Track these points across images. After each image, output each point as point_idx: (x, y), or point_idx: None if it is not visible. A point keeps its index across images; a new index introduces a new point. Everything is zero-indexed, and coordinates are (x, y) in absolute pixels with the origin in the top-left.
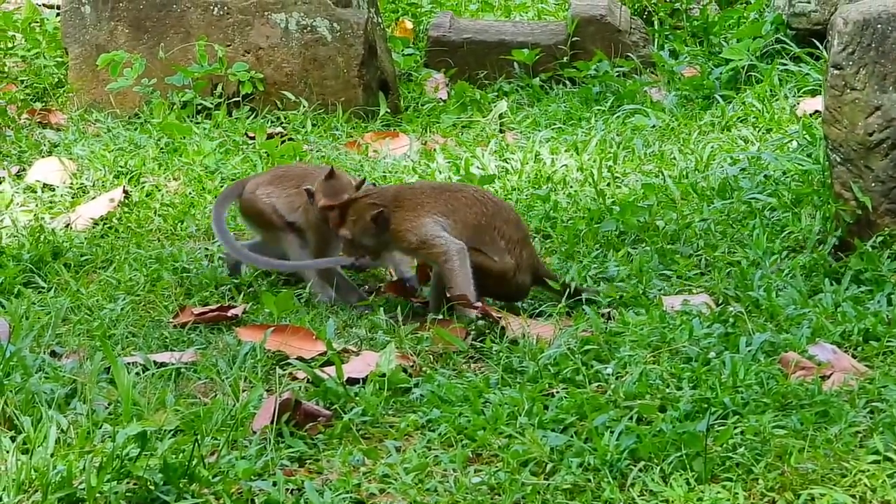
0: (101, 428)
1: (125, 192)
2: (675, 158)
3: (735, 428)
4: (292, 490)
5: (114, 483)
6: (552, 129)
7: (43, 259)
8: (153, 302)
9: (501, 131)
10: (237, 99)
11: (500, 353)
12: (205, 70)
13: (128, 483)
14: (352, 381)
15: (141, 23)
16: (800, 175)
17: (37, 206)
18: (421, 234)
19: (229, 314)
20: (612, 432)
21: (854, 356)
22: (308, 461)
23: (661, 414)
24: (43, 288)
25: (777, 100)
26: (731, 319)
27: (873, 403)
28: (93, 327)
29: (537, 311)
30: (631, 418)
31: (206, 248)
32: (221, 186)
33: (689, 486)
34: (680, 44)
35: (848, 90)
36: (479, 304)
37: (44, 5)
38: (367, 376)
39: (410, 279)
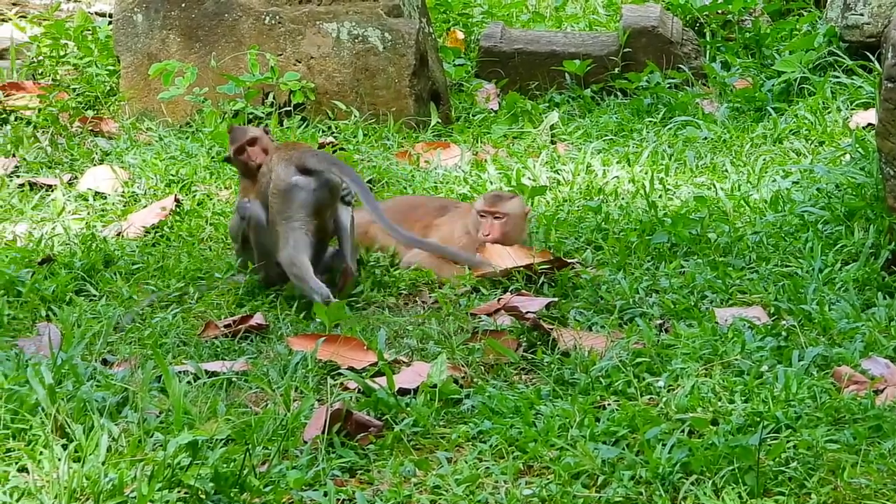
0: (152, 436)
1: (176, 200)
2: (727, 171)
3: (787, 442)
4: (343, 500)
5: (165, 492)
6: (604, 140)
7: (94, 267)
8: (204, 311)
9: (553, 142)
10: (288, 108)
11: (552, 365)
12: (256, 79)
13: (179, 492)
14: (403, 392)
15: (193, 32)
16: (853, 188)
17: (88, 214)
18: None
19: (254, 324)
20: (663, 445)
21: None
22: (359, 472)
23: (714, 427)
24: (94, 296)
25: (829, 112)
26: (783, 333)
27: None
28: (144, 336)
29: (589, 322)
30: (683, 431)
31: None
32: None
33: (741, 500)
34: (732, 55)
35: None
36: None
37: (96, 14)
38: (418, 387)
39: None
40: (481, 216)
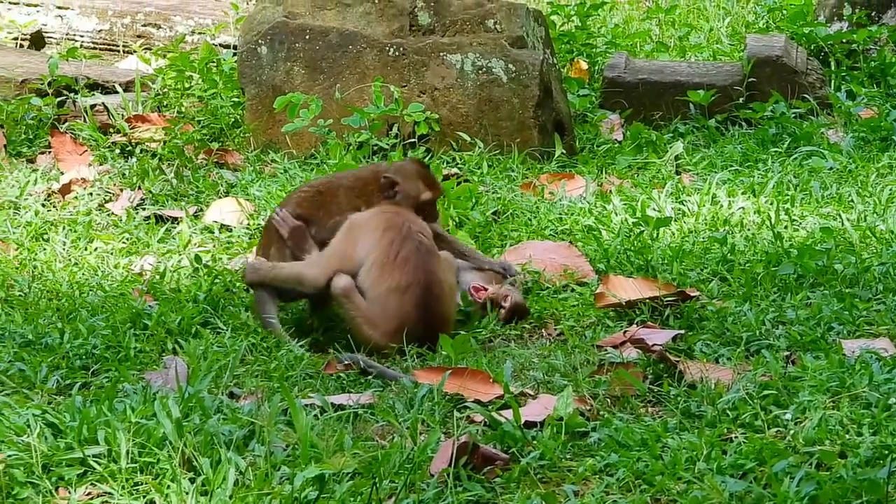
0: (279, 470)
1: None
2: (852, 201)
3: None
4: None
5: None
6: (729, 170)
7: (220, 300)
8: (329, 343)
9: (678, 173)
10: (413, 140)
11: (678, 397)
12: (381, 111)
13: None
14: (529, 425)
15: (317, 63)
16: None
17: (214, 246)
18: None
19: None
20: (791, 478)
21: None
22: None
23: (842, 460)
24: (221, 329)
25: None
26: None
27: None
28: (270, 368)
29: (716, 354)
30: (811, 464)
31: None
32: None
33: None
34: (857, 85)
35: None
36: None
37: (221, 45)
38: (544, 420)
39: None
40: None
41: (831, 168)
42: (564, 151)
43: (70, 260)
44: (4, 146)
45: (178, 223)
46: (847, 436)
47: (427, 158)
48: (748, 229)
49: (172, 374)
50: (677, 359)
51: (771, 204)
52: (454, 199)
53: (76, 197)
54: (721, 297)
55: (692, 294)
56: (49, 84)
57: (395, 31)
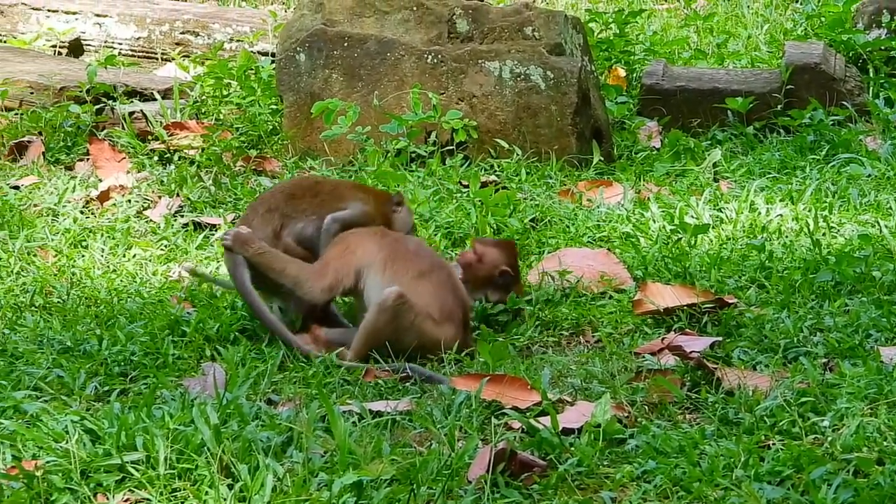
0: (317, 476)
1: None
2: (891, 208)
3: None
4: None
5: None
6: (767, 177)
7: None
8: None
9: (716, 180)
10: (451, 147)
11: (716, 404)
12: (419, 118)
13: None
14: (567, 432)
15: (355, 71)
16: None
17: None
18: None
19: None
20: (829, 485)
21: None
22: None
23: (879, 467)
24: (259, 335)
25: None
26: None
27: None
28: (308, 375)
29: (753, 361)
30: (848, 471)
31: None
32: (435, 235)
33: None
34: (895, 92)
35: None
36: None
37: (259, 53)
38: (582, 426)
39: None
40: None
41: (869, 175)
42: (602, 158)
43: (108, 267)
44: (43, 153)
45: (216, 230)
46: (885, 443)
47: (465, 166)
48: (786, 236)
49: (211, 381)
50: (715, 366)
51: (809, 211)
52: (492, 206)
53: (114, 204)
54: (759, 305)
55: (730, 301)
56: (87, 91)
57: (433, 39)
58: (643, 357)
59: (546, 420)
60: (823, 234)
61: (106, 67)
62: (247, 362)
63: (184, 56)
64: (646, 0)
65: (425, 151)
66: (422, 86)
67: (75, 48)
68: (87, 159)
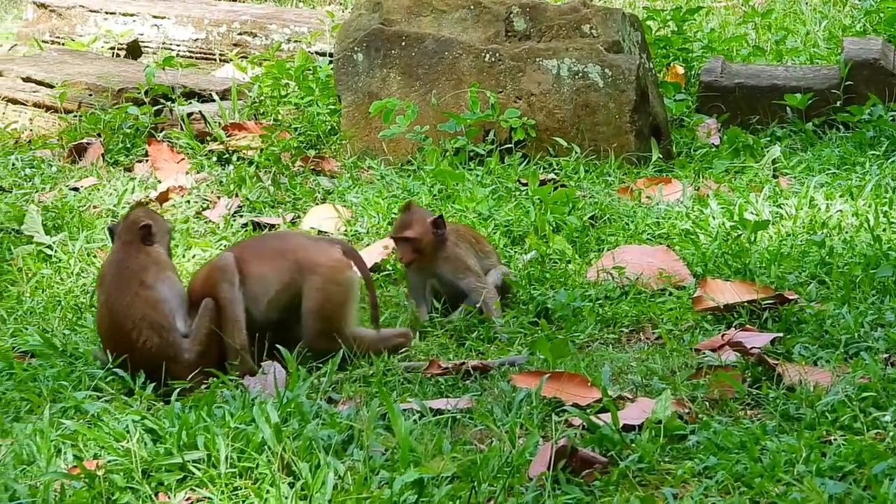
0: (378, 474)
1: None
2: None
3: None
4: None
5: None
6: (826, 174)
7: None
8: (426, 351)
9: (775, 176)
10: (509, 145)
11: (777, 400)
12: (477, 117)
13: None
14: (627, 428)
15: (413, 70)
16: None
17: None
18: None
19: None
20: (891, 480)
21: None
22: None
23: None
24: None
25: None
26: None
27: None
28: (368, 374)
29: (814, 357)
30: None
31: None
32: (494, 233)
33: None
34: None
35: None
36: None
37: (316, 53)
38: (642, 423)
39: None
40: (395, 242)
41: None
42: (661, 156)
43: None
44: (102, 155)
45: (275, 230)
46: None
47: (523, 164)
48: (846, 232)
49: (271, 380)
50: (776, 362)
51: (869, 207)
52: (551, 204)
53: (174, 205)
54: (819, 300)
55: (790, 297)
56: (146, 93)
57: (490, 37)
58: (703, 353)
59: (606, 417)
60: (884, 230)
61: (164, 69)
62: (307, 361)
63: (241, 57)
64: None
65: (483, 150)
66: (480, 84)
67: (133, 50)
68: (146, 160)
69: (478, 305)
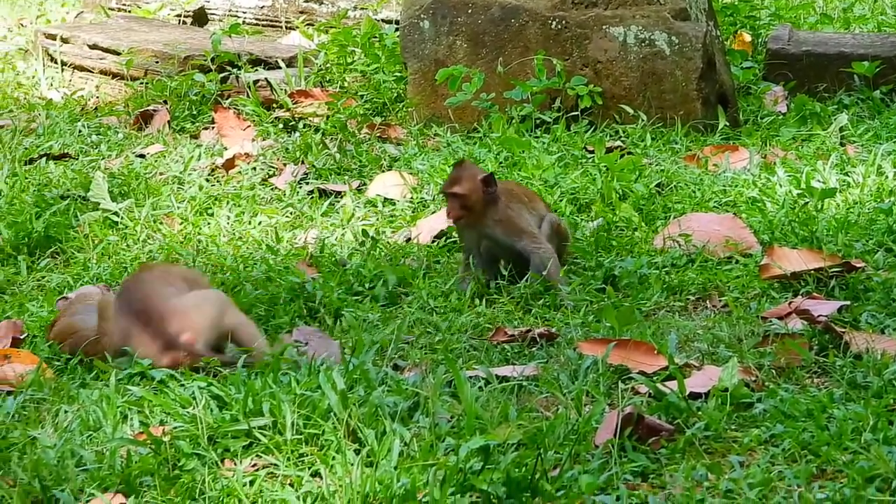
0: (443, 441)
1: None
2: None
3: None
4: None
5: (457, 496)
6: (893, 141)
7: (382, 273)
8: (495, 316)
9: (842, 144)
10: (576, 113)
11: (844, 368)
12: (543, 84)
13: (470, 496)
14: (694, 396)
15: (479, 37)
16: None
17: (377, 220)
18: None
19: (544, 331)
20: None
21: None
22: (651, 476)
23: None
24: (385, 302)
25: None
26: None
27: None
28: (434, 341)
29: (882, 325)
30: None
31: None
32: (561, 201)
33: None
34: None
35: None
36: None
37: (382, 21)
38: (709, 391)
39: None
40: (444, 197)
41: None
42: (728, 123)
43: (234, 234)
44: (168, 122)
45: (341, 197)
46: None
47: (590, 132)
48: None
49: (335, 347)
50: (843, 329)
51: None
52: (617, 171)
53: (240, 172)
54: (886, 268)
55: (857, 265)
56: (212, 60)
57: (557, 5)
58: (770, 321)
59: (673, 384)
60: None
61: (230, 36)
62: (373, 328)
63: (308, 24)
64: None
65: (550, 118)
66: (546, 52)
67: (199, 17)
68: (212, 128)
69: (543, 273)
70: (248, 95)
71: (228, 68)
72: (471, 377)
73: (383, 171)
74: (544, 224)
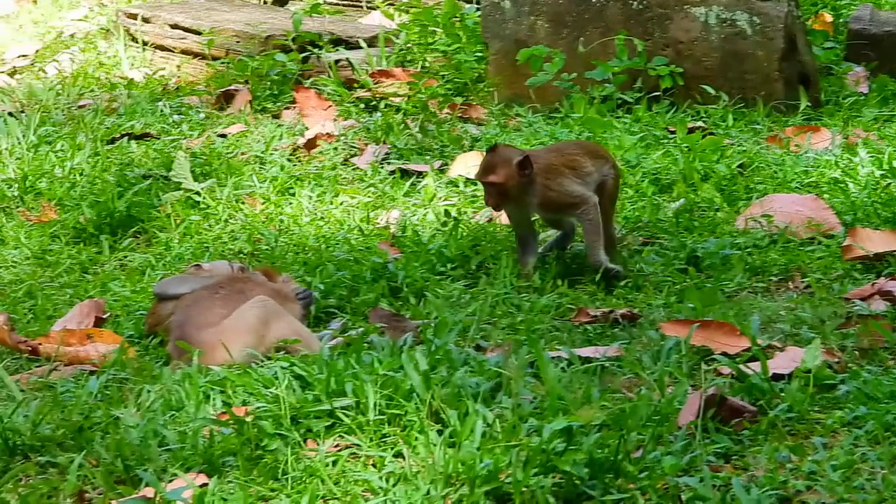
0: (526, 422)
1: None
2: None
3: None
4: (719, 486)
5: (540, 477)
6: None
7: (465, 254)
8: (576, 297)
9: None
10: (657, 93)
11: None
12: (624, 64)
13: (554, 477)
14: (776, 377)
15: (560, 17)
16: None
17: (459, 200)
18: None
19: (626, 312)
20: None
21: None
22: (734, 457)
23: None
24: (468, 282)
25: None
26: None
27: None
28: (516, 322)
29: None
30: None
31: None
32: (643, 181)
33: None
34: None
35: None
36: None
37: (464, 0)
38: (792, 372)
39: None
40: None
41: None
42: (810, 104)
43: (316, 214)
44: (250, 102)
45: (423, 177)
46: None
47: (671, 112)
48: None
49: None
50: None
51: None
52: (699, 152)
53: (321, 151)
54: None
55: None
56: (293, 40)
57: None
58: (853, 302)
59: (756, 366)
60: None
61: (311, 16)
62: (456, 309)
63: (389, 4)
64: None
65: (631, 98)
66: (627, 32)
67: None
68: (294, 107)
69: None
70: (329, 75)
71: (309, 48)
72: (553, 358)
73: (465, 152)
74: (596, 174)
